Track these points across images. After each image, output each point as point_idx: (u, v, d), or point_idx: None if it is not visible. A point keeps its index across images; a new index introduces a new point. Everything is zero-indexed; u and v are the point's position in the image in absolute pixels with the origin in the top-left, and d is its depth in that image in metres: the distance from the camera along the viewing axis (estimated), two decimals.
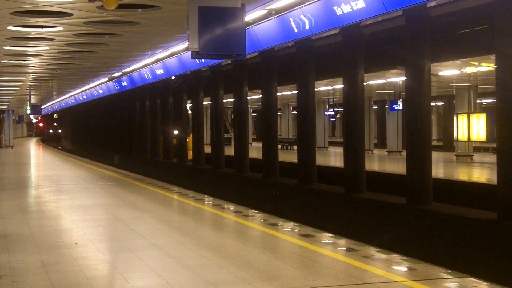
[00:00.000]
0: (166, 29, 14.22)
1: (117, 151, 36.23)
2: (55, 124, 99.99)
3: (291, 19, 12.64)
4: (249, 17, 12.84)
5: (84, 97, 39.33)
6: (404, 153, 15.83)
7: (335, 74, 20.90)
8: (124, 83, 28.02)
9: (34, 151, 46.86)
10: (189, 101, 27.04)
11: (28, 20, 12.65)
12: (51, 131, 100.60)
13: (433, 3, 10.84)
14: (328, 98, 36.86)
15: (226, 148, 23.47)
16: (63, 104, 51.99)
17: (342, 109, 18.87)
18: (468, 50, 15.63)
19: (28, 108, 42.02)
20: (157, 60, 21.13)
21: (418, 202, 11.87)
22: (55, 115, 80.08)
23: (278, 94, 18.72)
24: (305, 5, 11.95)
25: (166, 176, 23.49)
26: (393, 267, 7.20)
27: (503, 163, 10.07)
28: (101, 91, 33.66)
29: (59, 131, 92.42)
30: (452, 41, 15.22)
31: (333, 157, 27.48)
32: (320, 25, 11.98)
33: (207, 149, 25.14)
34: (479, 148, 28.91)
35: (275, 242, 8.98)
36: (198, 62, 18.17)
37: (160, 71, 22.35)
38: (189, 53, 14.45)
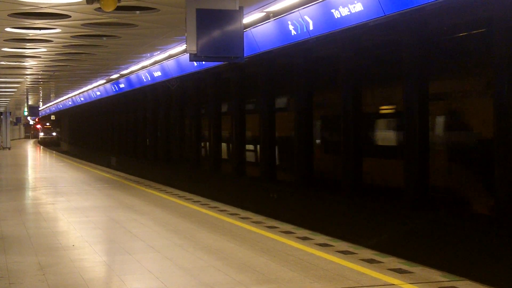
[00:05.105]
0: (164, 32, 14.22)
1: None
2: (47, 124, 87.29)
3: (289, 22, 12.65)
4: (247, 19, 12.84)
5: (82, 99, 39.33)
6: None
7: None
8: (122, 85, 28.02)
9: (32, 153, 46.81)
10: None
11: (26, 22, 12.64)
12: (42, 133, 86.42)
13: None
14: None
15: None
16: (61, 106, 51.96)
17: None
18: None
19: (26, 109, 41.99)
20: (155, 62, 21.13)
21: None
22: (53, 117, 78.48)
23: None
24: (303, 8, 11.97)
25: None
26: (390, 269, 7.20)
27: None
28: (98, 93, 33.64)
29: (54, 133, 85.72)
30: None
31: None
32: (318, 28, 11.99)
33: None
34: None
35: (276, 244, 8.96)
36: (195, 64, 18.16)
37: (157, 73, 22.35)
38: (187, 55, 14.46)
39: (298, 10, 12.02)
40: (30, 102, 40.52)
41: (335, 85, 14.53)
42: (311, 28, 12.01)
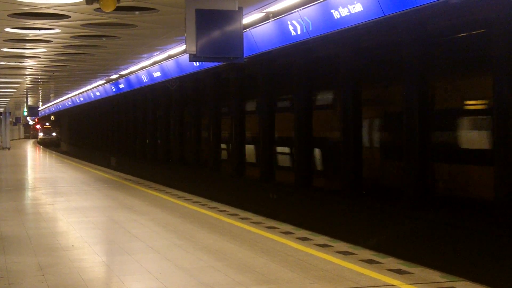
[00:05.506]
0: (163, 32, 14.22)
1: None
2: (47, 124, 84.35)
3: (288, 22, 12.64)
4: (246, 20, 12.83)
5: (81, 99, 39.31)
6: None
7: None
8: (121, 86, 28.00)
9: (31, 153, 46.80)
10: None
11: (26, 22, 12.63)
12: (41, 134, 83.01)
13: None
14: None
15: None
16: (60, 106, 51.94)
17: None
18: None
19: (25, 110, 41.95)
20: (155, 63, 21.11)
21: None
22: (52, 117, 77.90)
23: None
24: (303, 8, 11.96)
25: None
26: (389, 270, 7.20)
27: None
28: (98, 93, 33.63)
29: (53, 134, 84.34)
30: None
31: None
32: (318, 28, 11.98)
33: None
34: None
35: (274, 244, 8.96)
36: (196, 64, 18.15)
37: (157, 74, 22.34)
38: (186, 56, 14.44)
39: (298, 11, 12.01)
40: (29, 102, 40.48)
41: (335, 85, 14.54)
42: (310, 28, 12.01)
